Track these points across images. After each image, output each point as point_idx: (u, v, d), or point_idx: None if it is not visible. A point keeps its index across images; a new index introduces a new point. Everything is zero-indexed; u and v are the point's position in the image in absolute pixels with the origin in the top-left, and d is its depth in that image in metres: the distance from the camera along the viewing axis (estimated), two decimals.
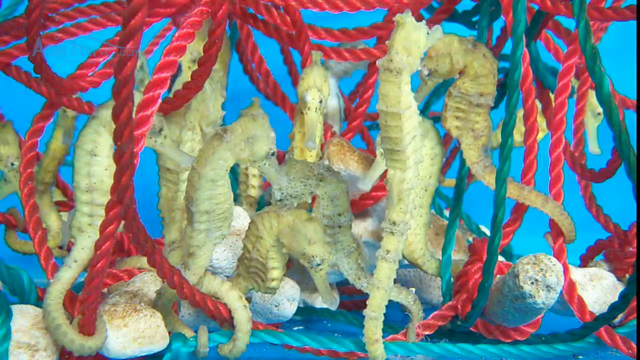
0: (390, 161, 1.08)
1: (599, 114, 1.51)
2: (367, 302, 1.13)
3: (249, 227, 1.13)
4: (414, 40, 1.01)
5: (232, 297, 1.14)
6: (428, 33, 1.03)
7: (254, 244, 1.12)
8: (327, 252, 1.09)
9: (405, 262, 1.32)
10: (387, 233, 1.10)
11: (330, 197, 1.13)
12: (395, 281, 1.47)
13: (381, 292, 1.12)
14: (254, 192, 1.54)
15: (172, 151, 1.12)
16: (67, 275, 1.10)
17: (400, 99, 1.03)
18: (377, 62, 1.04)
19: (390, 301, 1.21)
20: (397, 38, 1.01)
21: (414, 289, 1.25)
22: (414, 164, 1.07)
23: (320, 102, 1.28)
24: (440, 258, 1.33)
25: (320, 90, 1.29)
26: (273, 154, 1.05)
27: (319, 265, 1.08)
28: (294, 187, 1.12)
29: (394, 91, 1.03)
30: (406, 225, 1.10)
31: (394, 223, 1.09)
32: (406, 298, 1.22)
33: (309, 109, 1.28)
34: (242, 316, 1.13)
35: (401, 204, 1.08)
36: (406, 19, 1.01)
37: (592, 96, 1.45)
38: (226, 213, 1.08)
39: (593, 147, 1.48)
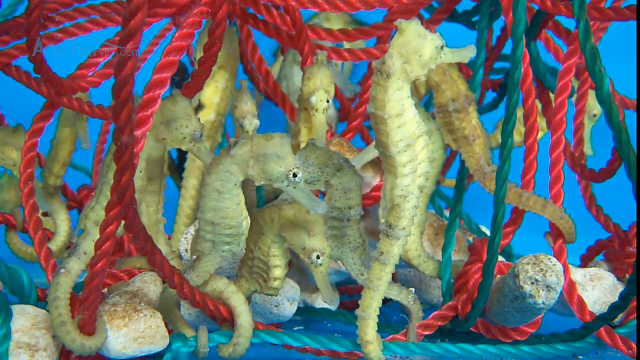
0: (384, 164, 1.07)
1: (594, 115, 1.52)
2: (359, 302, 1.13)
3: (250, 225, 1.13)
4: (413, 48, 1.00)
5: (238, 300, 1.13)
6: (443, 47, 1.01)
7: (256, 242, 1.12)
8: (326, 245, 1.08)
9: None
10: (382, 234, 1.10)
11: (344, 188, 1.12)
12: (395, 280, 1.48)
13: (370, 292, 1.11)
14: None
15: (207, 156, 1.12)
16: (77, 267, 1.09)
17: (385, 103, 1.02)
18: (372, 63, 1.04)
19: (390, 301, 1.21)
20: (394, 43, 1.00)
21: (413, 289, 1.25)
22: (410, 172, 1.05)
23: (327, 102, 1.29)
24: (439, 258, 1.33)
25: (327, 91, 1.29)
26: (295, 175, 1.01)
27: (318, 259, 1.08)
28: (311, 173, 1.10)
29: (380, 94, 1.02)
30: (403, 230, 1.08)
31: (390, 225, 1.09)
32: (406, 298, 1.22)
33: (316, 110, 1.28)
34: (246, 321, 1.13)
35: (396, 209, 1.07)
36: (408, 26, 1.00)
37: (589, 97, 1.46)
38: (234, 230, 1.07)
39: (586, 148, 1.49)
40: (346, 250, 1.16)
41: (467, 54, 1.03)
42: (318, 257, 1.08)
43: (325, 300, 1.12)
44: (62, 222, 1.45)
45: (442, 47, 1.01)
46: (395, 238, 1.09)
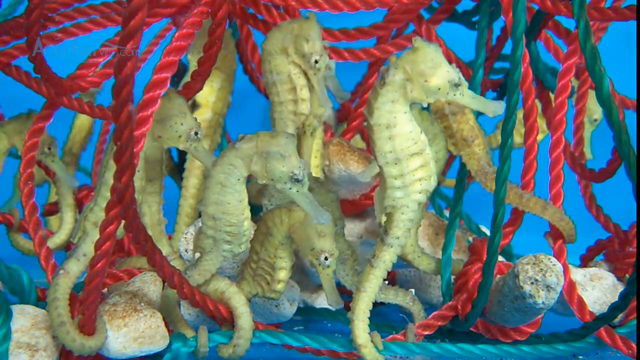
0: (380, 172, 1.07)
1: (595, 120, 1.52)
2: (350, 305, 1.13)
3: (257, 226, 1.13)
4: (420, 70, 0.99)
5: (239, 301, 1.13)
6: (460, 86, 0.99)
7: (262, 243, 1.12)
8: (335, 247, 1.08)
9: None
10: (379, 237, 1.11)
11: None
12: (395, 281, 1.48)
13: (358, 294, 1.12)
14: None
15: (204, 155, 1.12)
16: (76, 269, 1.09)
17: (374, 110, 1.02)
18: (381, 68, 1.03)
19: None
20: (404, 56, 1.00)
21: (413, 290, 1.25)
22: (402, 186, 1.05)
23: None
24: (438, 257, 1.33)
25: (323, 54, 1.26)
26: (297, 179, 1.00)
27: (326, 260, 1.07)
28: (282, 198, 1.12)
29: (373, 98, 1.02)
30: (397, 240, 1.08)
31: (385, 231, 1.09)
32: (404, 299, 1.22)
33: (319, 70, 1.25)
34: (246, 322, 1.13)
35: (391, 217, 1.07)
36: (423, 47, 0.99)
37: (590, 100, 1.46)
38: (235, 229, 1.07)
39: (586, 151, 1.49)
40: (337, 264, 1.16)
41: (493, 108, 1.01)
42: (326, 258, 1.08)
43: (330, 304, 1.11)
44: (67, 207, 1.46)
45: (457, 85, 0.99)
46: (387, 245, 1.09)
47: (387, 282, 1.15)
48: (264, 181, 1.02)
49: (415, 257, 1.31)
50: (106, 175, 1.10)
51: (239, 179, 1.04)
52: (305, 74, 1.28)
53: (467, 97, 1.01)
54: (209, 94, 1.41)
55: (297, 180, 1.01)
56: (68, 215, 1.47)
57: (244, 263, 1.17)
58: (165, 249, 1.24)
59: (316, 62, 1.25)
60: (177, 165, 1.66)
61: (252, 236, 1.13)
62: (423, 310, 1.25)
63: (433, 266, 1.32)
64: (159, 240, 1.24)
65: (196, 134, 1.11)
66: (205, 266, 1.11)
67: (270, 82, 1.30)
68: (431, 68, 0.99)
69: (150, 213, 1.23)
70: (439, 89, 0.99)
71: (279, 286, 1.14)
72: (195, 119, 1.12)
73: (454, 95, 1.00)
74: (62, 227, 1.47)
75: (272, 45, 1.28)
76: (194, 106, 1.42)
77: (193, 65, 1.39)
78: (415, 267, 1.33)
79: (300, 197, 1.02)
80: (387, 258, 1.10)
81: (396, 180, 1.05)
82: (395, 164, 1.04)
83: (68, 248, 1.47)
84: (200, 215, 1.27)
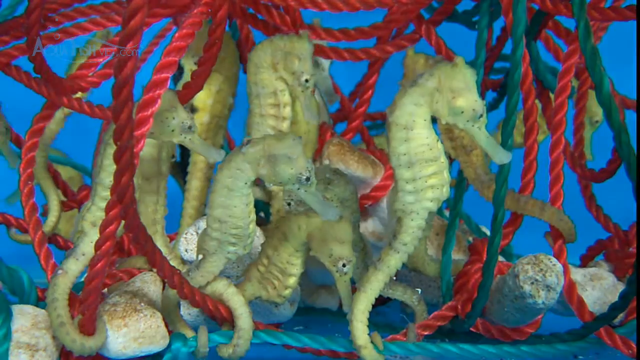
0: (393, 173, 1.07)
1: (596, 122, 1.52)
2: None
3: (272, 231, 1.12)
4: (451, 85, 1.00)
5: (238, 302, 1.13)
6: (482, 118, 1.00)
7: (276, 248, 1.11)
8: (354, 255, 1.07)
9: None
10: (388, 241, 1.10)
11: (339, 199, 1.13)
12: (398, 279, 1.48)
13: (358, 294, 1.12)
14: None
15: (201, 147, 1.11)
16: (75, 268, 1.09)
17: (396, 108, 1.02)
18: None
19: (389, 300, 1.21)
20: (442, 67, 1.00)
21: (420, 290, 1.25)
22: (413, 191, 1.05)
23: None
24: (440, 258, 1.33)
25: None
26: (307, 179, 1.01)
27: (344, 267, 1.06)
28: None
29: (398, 97, 1.03)
30: (404, 246, 1.08)
31: (394, 235, 1.09)
32: (410, 298, 1.22)
33: (307, 89, 1.24)
34: (246, 323, 1.13)
35: (400, 222, 1.07)
36: (462, 66, 0.99)
37: (591, 102, 1.46)
38: (240, 232, 1.07)
39: (586, 152, 1.49)
40: None
41: (501, 156, 1.02)
42: (344, 265, 1.07)
43: (345, 310, 1.11)
44: (52, 196, 1.46)
45: (480, 117, 1.00)
46: (394, 250, 1.09)
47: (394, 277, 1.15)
48: (272, 184, 1.02)
49: (425, 265, 1.31)
50: (101, 174, 1.10)
51: (246, 183, 1.04)
52: (291, 92, 1.27)
53: (482, 134, 1.02)
54: (206, 97, 1.41)
55: (306, 181, 1.01)
56: (48, 184, 1.47)
57: (251, 265, 1.16)
58: (161, 250, 1.24)
59: (306, 81, 1.24)
60: (178, 164, 1.66)
61: (255, 238, 1.13)
62: (426, 312, 1.25)
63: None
64: (154, 241, 1.24)
65: (190, 127, 1.10)
66: (208, 267, 1.11)
67: (254, 94, 1.29)
68: (463, 89, 1.00)
69: (146, 213, 1.22)
70: (462, 112, 1.00)
71: (286, 292, 1.13)
72: (188, 111, 1.11)
73: (472, 125, 1.01)
74: (50, 210, 1.47)
75: (260, 58, 1.27)
76: (192, 110, 1.41)
77: (187, 69, 1.38)
78: (425, 274, 1.33)
79: (309, 196, 1.02)
80: (392, 263, 1.10)
81: (408, 185, 1.05)
82: (409, 167, 1.04)
83: (55, 238, 1.46)
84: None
